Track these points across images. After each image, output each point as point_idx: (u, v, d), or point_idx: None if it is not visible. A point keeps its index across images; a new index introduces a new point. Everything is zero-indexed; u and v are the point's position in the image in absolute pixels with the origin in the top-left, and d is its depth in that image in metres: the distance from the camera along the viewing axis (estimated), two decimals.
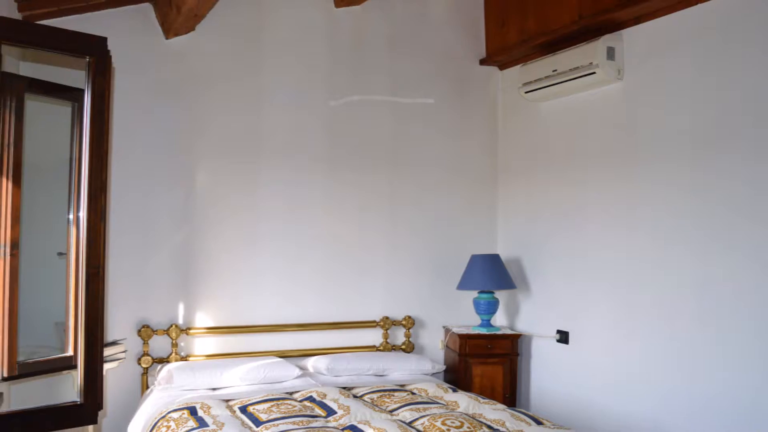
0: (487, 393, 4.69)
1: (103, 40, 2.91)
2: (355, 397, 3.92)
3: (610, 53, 4.18)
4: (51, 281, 3.46)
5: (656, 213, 3.99)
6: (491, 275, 4.84)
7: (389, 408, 3.74)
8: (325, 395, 3.87)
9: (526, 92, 4.81)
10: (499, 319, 5.30)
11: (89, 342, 2.89)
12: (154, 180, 4.47)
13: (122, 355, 4.14)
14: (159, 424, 3.49)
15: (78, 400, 2.87)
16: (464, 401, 3.85)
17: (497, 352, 4.83)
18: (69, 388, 3.04)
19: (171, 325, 4.43)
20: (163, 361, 4.42)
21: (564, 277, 4.73)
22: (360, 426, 3.30)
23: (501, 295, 5.17)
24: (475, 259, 4.95)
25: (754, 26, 3.44)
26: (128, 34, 4.34)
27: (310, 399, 3.86)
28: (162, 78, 4.50)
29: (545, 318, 4.90)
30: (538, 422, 3.43)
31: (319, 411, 3.64)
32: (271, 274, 4.75)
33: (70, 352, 3.14)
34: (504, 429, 3.33)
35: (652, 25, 4.04)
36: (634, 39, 4.17)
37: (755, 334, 3.40)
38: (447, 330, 5.09)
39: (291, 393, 4.02)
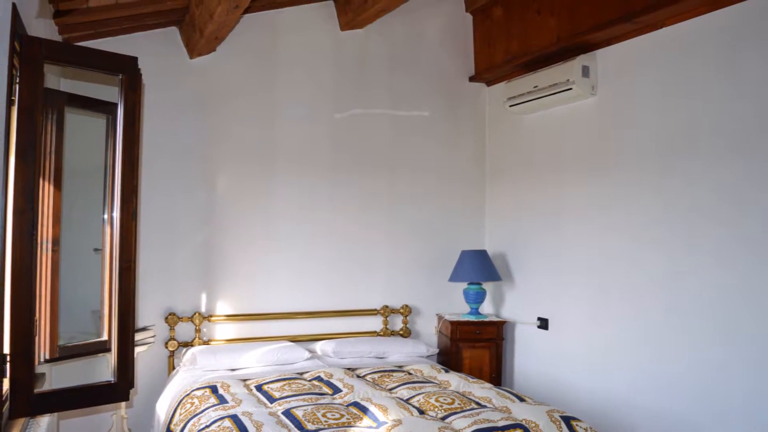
0: (476, 373, 4.70)
1: (134, 60, 2.91)
2: (358, 377, 3.93)
3: (585, 71, 4.18)
4: (88, 274, 3.46)
5: (627, 213, 3.99)
6: (479, 269, 4.85)
7: (389, 387, 3.75)
8: (331, 375, 3.87)
9: (511, 106, 4.81)
10: (486, 308, 5.30)
11: (122, 328, 2.88)
12: (180, 184, 4.47)
13: (151, 340, 4.14)
14: (184, 401, 3.50)
15: (112, 379, 2.87)
16: (455, 381, 3.86)
17: (484, 337, 4.83)
18: (104, 369, 3.04)
19: (194, 313, 4.44)
20: (188, 345, 4.42)
21: (544, 270, 4.73)
22: (363, 403, 3.30)
23: (488, 286, 5.17)
24: (465, 254, 4.96)
25: (712, 48, 3.45)
26: (156, 55, 4.35)
27: (319, 379, 3.87)
28: (186, 93, 4.50)
29: (527, 307, 4.90)
30: (521, 399, 3.43)
31: (326, 389, 3.64)
32: (283, 268, 4.76)
33: (104, 337, 3.14)
34: (491, 405, 3.34)
35: (622, 46, 4.05)
36: (607, 59, 4.17)
37: (714, 321, 3.41)
38: (440, 317, 5.09)
39: (301, 373, 4.03)
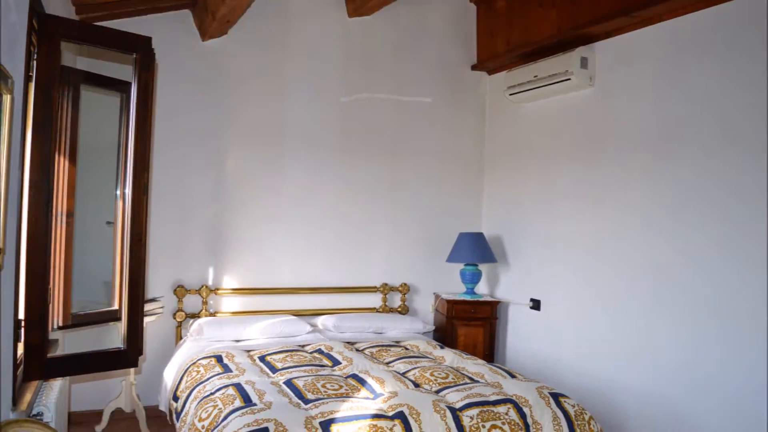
0: (470, 350, 4.72)
1: (148, 40, 2.89)
2: (357, 350, 3.95)
3: (584, 63, 4.16)
4: (100, 246, 3.46)
5: (619, 200, 3.99)
6: (476, 250, 4.85)
7: (386, 360, 3.77)
8: (331, 348, 3.90)
9: (511, 94, 4.78)
10: (482, 288, 5.31)
11: (132, 298, 2.89)
12: (191, 162, 4.47)
13: (160, 311, 4.16)
14: (190, 369, 3.53)
15: (122, 346, 2.88)
16: (450, 356, 3.88)
17: (479, 315, 4.85)
18: (114, 336, 3.06)
19: (202, 286, 4.45)
20: (195, 316, 4.44)
21: (538, 253, 4.73)
22: (361, 375, 3.32)
23: (484, 267, 5.18)
24: (462, 236, 4.96)
25: (708, 43, 3.42)
26: (170, 36, 4.32)
27: (319, 351, 3.89)
28: (198, 75, 4.48)
29: (521, 288, 4.91)
30: (512, 375, 3.45)
31: (326, 361, 3.66)
32: (287, 245, 4.76)
33: (115, 307, 3.15)
34: (483, 380, 3.36)
35: (620, 39, 4.02)
36: (605, 51, 4.14)
37: (700, 304, 3.42)
38: (437, 296, 5.11)
39: (303, 346, 4.05)
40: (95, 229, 3.46)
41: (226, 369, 3.38)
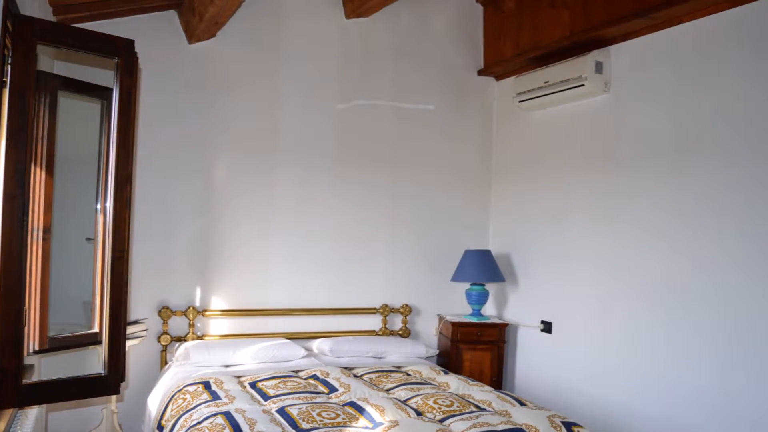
0: (476, 376, 4.70)
1: (130, 43, 2.90)
2: (355, 376, 3.93)
3: (598, 67, 4.17)
4: (79, 264, 3.45)
5: (636, 214, 3.98)
6: (483, 269, 4.84)
7: (386, 387, 3.75)
8: (327, 374, 3.87)
9: (520, 101, 4.80)
10: (489, 309, 5.29)
11: (114, 320, 2.88)
12: (176, 173, 4.46)
13: (144, 333, 4.14)
14: (176, 396, 3.51)
15: (102, 372, 2.87)
16: (455, 383, 3.86)
17: (486, 339, 4.83)
18: (94, 361, 3.04)
19: (189, 307, 4.44)
20: (181, 339, 4.42)
21: (549, 272, 4.72)
22: (359, 403, 3.30)
23: (491, 287, 5.16)
24: (468, 253, 4.95)
25: (728, 45, 3.44)
26: (154, 39, 4.34)
27: (314, 377, 3.87)
28: (185, 79, 4.49)
29: (531, 309, 4.90)
30: (522, 403, 3.43)
31: (322, 388, 3.64)
32: (280, 263, 4.75)
33: (95, 329, 3.13)
34: (490, 409, 3.34)
35: (637, 42, 4.03)
36: (621, 54, 4.15)
37: (721, 328, 3.40)
38: (441, 318, 5.09)
39: (297, 371, 4.03)
40: (74, 245, 3.45)
41: (215, 396, 3.36)
